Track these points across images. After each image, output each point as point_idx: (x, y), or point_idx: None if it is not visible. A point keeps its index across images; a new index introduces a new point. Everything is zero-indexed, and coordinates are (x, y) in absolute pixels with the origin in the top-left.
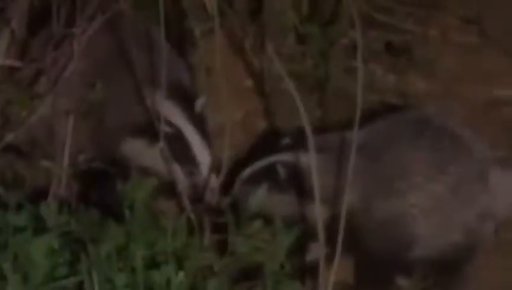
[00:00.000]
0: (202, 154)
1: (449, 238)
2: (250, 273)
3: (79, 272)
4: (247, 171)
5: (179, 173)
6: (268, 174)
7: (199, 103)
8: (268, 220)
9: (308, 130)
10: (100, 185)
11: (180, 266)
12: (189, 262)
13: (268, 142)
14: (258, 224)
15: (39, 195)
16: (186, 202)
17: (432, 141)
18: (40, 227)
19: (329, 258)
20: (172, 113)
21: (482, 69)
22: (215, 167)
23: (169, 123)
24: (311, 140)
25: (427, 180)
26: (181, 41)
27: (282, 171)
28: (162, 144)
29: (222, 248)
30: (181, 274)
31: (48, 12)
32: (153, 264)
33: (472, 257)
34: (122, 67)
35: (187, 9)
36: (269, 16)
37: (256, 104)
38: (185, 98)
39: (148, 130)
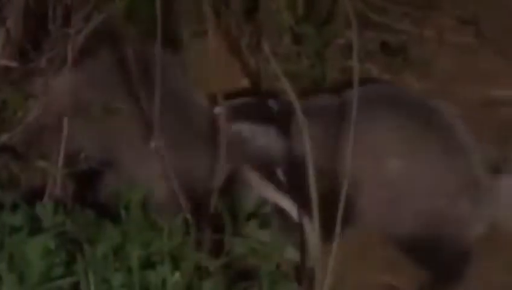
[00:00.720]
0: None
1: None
2: (247, 273)
3: (75, 272)
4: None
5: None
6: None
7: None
8: (265, 220)
9: (305, 130)
10: (96, 185)
11: (176, 266)
12: (185, 262)
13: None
14: (254, 224)
15: (35, 195)
16: (183, 202)
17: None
18: (35, 227)
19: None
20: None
21: (478, 69)
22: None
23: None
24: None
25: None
26: (176, 42)
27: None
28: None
29: (218, 248)
30: (177, 274)
31: (43, 12)
32: (148, 264)
33: (456, 257)
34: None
35: (181, 10)
36: (265, 15)
37: None
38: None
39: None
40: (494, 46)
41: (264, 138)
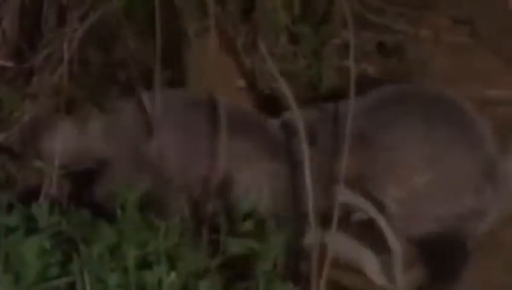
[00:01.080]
0: (395, 246)
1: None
2: (243, 273)
3: (71, 272)
4: None
5: (374, 264)
6: None
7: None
8: (260, 220)
9: (301, 127)
10: (92, 185)
11: (172, 266)
12: (181, 262)
13: None
14: (250, 224)
15: (31, 195)
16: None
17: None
18: (31, 227)
19: None
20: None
21: (474, 69)
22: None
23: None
24: (303, 137)
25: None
26: (174, 41)
27: None
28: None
29: (214, 248)
30: (173, 274)
31: (39, 12)
32: (145, 264)
33: (457, 255)
34: None
35: (180, 8)
36: (261, 15)
37: (249, 104)
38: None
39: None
40: (490, 46)
41: None
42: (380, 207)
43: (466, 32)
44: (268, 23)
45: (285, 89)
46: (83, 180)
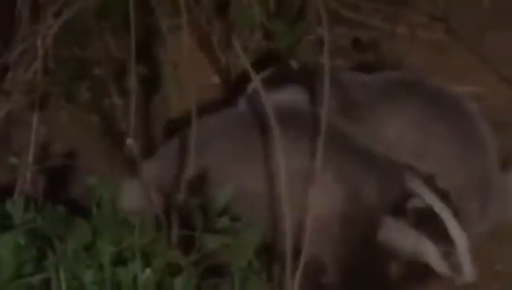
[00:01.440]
0: (458, 235)
1: None
2: (218, 269)
3: (46, 269)
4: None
5: (433, 254)
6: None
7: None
8: (236, 216)
9: (274, 125)
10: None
11: (147, 262)
12: (156, 259)
13: None
14: (225, 221)
15: (5, 192)
16: (154, 198)
17: None
18: (6, 224)
19: None
20: (424, 190)
21: (449, 65)
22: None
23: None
24: (277, 136)
25: None
26: (149, 37)
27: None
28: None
29: (189, 244)
30: (148, 271)
31: (13, 8)
32: (120, 260)
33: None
34: None
35: (154, 5)
36: (236, 11)
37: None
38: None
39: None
40: (465, 43)
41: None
42: (444, 196)
43: (441, 29)
44: (243, 20)
45: (258, 86)
46: (57, 177)
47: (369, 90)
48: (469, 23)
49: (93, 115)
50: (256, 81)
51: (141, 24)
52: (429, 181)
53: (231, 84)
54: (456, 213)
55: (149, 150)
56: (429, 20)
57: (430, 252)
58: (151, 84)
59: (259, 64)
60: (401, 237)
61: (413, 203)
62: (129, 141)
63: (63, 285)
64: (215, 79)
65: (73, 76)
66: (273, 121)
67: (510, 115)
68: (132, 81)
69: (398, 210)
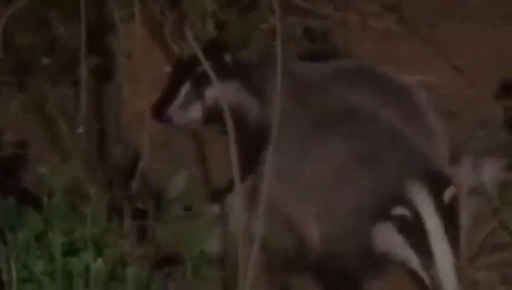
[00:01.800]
0: (441, 249)
1: None
2: (170, 259)
3: None
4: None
5: (415, 263)
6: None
7: (448, 193)
8: (188, 205)
9: (228, 117)
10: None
11: (99, 252)
12: (108, 249)
13: None
14: (177, 210)
15: None
16: (106, 188)
17: None
18: None
19: None
20: (420, 199)
21: (400, 55)
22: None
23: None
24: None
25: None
26: (102, 27)
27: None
28: None
29: (142, 234)
30: (100, 261)
31: None
32: (71, 251)
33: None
34: None
35: None
36: (188, 1)
37: None
38: (435, 185)
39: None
40: (416, 33)
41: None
42: (443, 208)
43: (393, 18)
44: (195, 9)
45: (212, 76)
46: (8, 166)
47: (320, 78)
48: (420, 13)
49: (45, 104)
50: (208, 69)
51: (93, 13)
52: (434, 189)
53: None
54: (453, 229)
55: (101, 139)
56: (381, 9)
57: (413, 261)
58: (103, 73)
59: (211, 55)
60: (391, 241)
61: (398, 211)
62: (80, 130)
63: (14, 276)
64: (168, 69)
65: (25, 65)
66: (227, 113)
67: (460, 105)
68: (83, 71)
69: (386, 214)
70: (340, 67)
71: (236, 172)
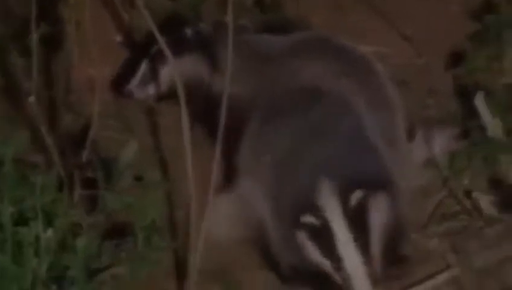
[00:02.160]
0: (348, 254)
1: None
2: (121, 229)
3: None
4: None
5: (328, 267)
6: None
7: (355, 197)
8: (138, 175)
9: (181, 93)
10: None
11: (49, 222)
12: (58, 219)
13: None
14: (128, 180)
15: None
16: (56, 157)
17: None
18: None
19: None
20: (328, 205)
21: (352, 25)
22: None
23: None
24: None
25: None
26: None
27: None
28: None
29: (92, 204)
30: (50, 231)
31: None
32: (21, 220)
33: None
34: None
35: None
36: None
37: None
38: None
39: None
40: (367, 3)
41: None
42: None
43: None
44: None
45: (162, 44)
46: None
47: (276, 50)
48: None
49: None
50: (162, 45)
51: None
52: (344, 192)
53: (134, 44)
54: (362, 231)
55: (51, 108)
56: None
57: (325, 265)
58: (53, 42)
59: (171, 28)
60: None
61: (306, 219)
62: (31, 99)
63: None
64: (118, 38)
65: None
66: (181, 89)
67: (411, 74)
68: (33, 40)
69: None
70: (298, 40)
71: (187, 142)
